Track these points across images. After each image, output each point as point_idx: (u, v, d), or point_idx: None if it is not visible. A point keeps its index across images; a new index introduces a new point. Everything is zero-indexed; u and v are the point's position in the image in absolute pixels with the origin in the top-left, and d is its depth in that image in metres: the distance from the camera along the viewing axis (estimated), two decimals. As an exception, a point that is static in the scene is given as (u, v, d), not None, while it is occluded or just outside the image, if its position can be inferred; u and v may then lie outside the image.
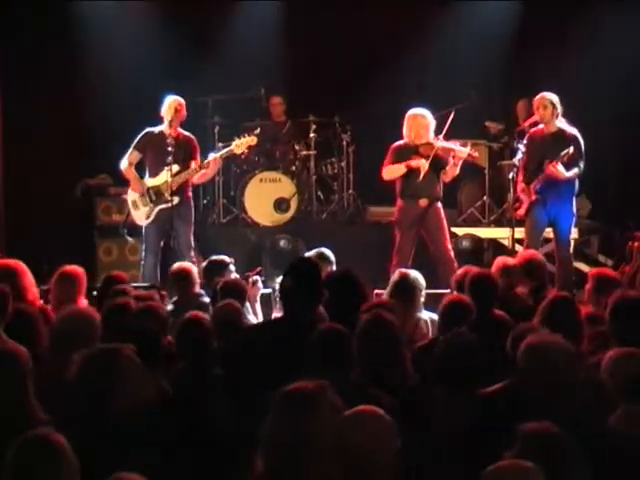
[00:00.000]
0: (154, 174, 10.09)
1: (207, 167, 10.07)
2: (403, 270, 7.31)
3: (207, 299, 7.45)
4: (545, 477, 3.30)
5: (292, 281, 5.44)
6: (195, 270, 8.05)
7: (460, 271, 7.40)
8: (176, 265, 8.18)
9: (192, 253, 10.03)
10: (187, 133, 10.20)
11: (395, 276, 7.03)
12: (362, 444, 3.46)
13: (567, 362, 4.38)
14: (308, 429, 3.53)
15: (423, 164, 9.90)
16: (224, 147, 10.72)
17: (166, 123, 9.99)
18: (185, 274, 7.86)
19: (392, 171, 10.06)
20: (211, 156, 10.23)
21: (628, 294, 5.69)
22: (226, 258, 8.33)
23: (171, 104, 10.02)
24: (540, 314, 5.66)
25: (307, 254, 8.50)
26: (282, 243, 11.54)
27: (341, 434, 3.49)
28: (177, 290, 7.78)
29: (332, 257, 8.34)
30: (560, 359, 4.37)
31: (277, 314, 6.47)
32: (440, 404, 4.74)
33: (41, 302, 7.26)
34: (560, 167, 9.68)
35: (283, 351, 5.13)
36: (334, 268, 8.14)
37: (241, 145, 10.48)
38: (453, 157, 10.02)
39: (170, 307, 7.40)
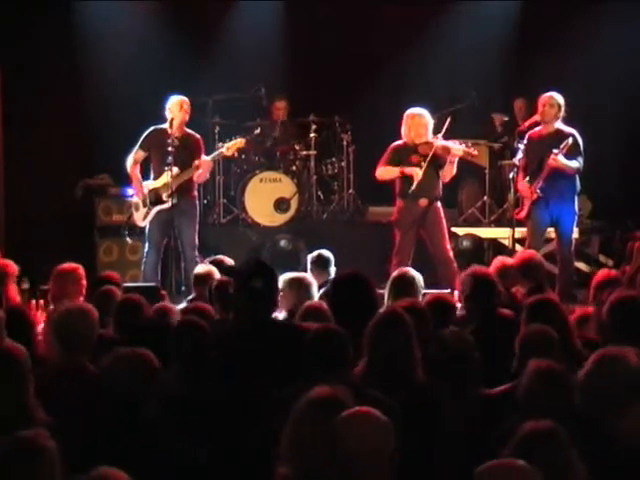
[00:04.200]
0: (157, 175, 10.10)
1: (199, 168, 10.05)
2: (402, 268, 7.29)
3: None
4: (544, 476, 3.29)
5: (262, 283, 5.39)
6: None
7: (468, 271, 7.39)
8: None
9: (196, 253, 10.02)
10: (193, 132, 10.18)
11: (394, 274, 6.99)
12: (358, 445, 3.44)
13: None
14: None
15: (417, 172, 9.87)
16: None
17: (173, 122, 9.93)
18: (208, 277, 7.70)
19: (385, 173, 10.04)
20: (202, 158, 10.22)
21: (626, 293, 5.68)
22: (226, 259, 8.31)
23: (179, 103, 9.99)
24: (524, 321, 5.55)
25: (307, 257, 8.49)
26: (282, 243, 11.54)
27: (338, 435, 3.48)
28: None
29: (332, 260, 8.30)
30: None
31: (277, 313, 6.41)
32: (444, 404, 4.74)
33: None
34: (561, 157, 9.67)
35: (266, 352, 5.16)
36: (332, 271, 8.12)
37: (230, 147, 10.48)
38: (450, 156, 10.00)
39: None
